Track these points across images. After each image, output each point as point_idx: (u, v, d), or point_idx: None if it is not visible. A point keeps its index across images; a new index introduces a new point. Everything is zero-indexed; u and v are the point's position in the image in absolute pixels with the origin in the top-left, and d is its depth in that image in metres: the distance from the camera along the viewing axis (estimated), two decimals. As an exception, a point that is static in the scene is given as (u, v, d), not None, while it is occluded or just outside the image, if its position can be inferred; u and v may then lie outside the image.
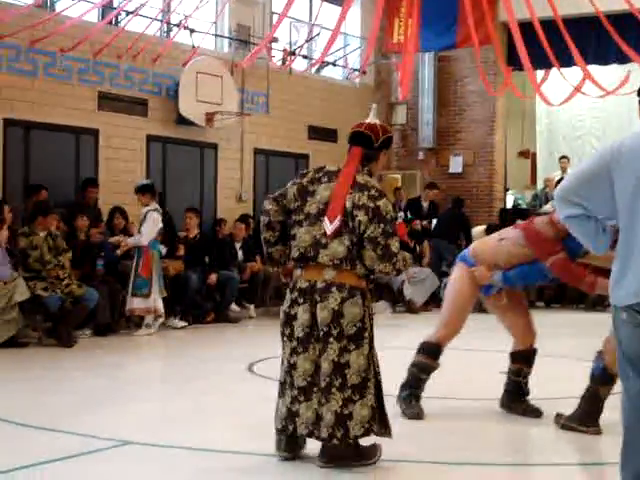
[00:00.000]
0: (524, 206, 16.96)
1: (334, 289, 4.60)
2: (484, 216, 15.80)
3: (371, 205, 4.56)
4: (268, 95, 14.54)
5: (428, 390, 6.36)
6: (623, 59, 13.20)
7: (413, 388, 6.09)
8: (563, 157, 16.82)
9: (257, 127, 14.40)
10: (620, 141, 4.14)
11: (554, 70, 13.05)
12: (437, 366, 6.14)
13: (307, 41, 14.91)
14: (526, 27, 12.00)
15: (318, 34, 15.15)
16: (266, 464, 4.81)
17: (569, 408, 5.92)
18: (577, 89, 12.96)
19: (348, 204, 4.59)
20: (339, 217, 4.57)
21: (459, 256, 6.19)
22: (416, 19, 12.18)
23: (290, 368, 4.72)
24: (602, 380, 5.64)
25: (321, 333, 4.61)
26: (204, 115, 13.11)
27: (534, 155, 18.95)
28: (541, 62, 13.08)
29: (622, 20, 12.88)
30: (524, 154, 19.02)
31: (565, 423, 5.66)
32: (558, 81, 13.75)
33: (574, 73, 13.43)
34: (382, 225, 4.55)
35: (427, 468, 4.95)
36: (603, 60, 14.76)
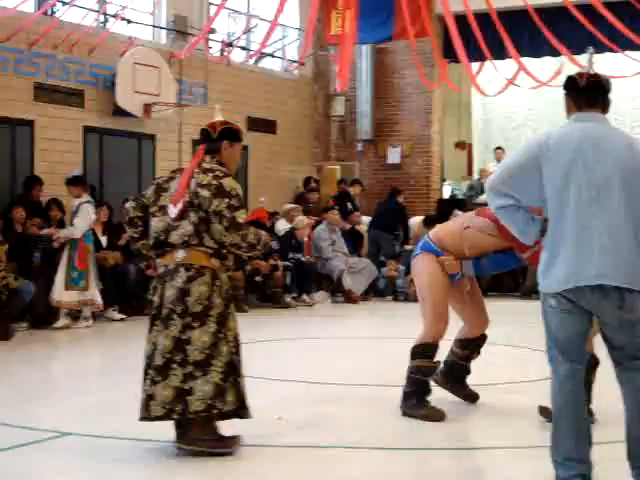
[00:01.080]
0: (461, 197, 17.18)
1: (182, 269, 4.80)
2: (421, 207, 15.98)
3: (214, 183, 4.80)
4: (206, 86, 14.51)
5: (355, 379, 6.43)
6: (556, 52, 13.43)
7: (422, 393, 5.83)
8: (498, 148, 17.06)
9: (195, 118, 14.32)
10: (547, 134, 4.28)
11: (489, 62, 13.25)
12: (438, 365, 5.95)
13: (245, 32, 14.90)
14: (461, 20, 12.17)
15: (256, 25, 15.15)
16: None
17: (509, 394, 6.06)
18: (511, 81, 13.17)
19: (192, 185, 4.84)
20: (181, 200, 4.81)
21: (420, 246, 6.00)
22: (353, 11, 12.26)
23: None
24: (588, 366, 5.66)
25: (165, 311, 4.77)
26: (142, 106, 13.03)
27: (470, 146, 19.19)
28: (476, 54, 13.27)
29: (554, 13, 13.12)
30: (460, 145, 19.25)
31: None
32: (493, 73, 13.96)
33: (509, 65, 13.65)
34: (227, 200, 4.77)
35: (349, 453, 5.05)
36: (537, 52, 15.01)
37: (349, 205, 15.38)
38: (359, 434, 5.41)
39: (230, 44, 14.45)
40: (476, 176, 17.89)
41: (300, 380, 7.06)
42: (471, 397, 6.23)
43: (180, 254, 4.81)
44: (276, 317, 11.75)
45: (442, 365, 6.09)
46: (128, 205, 5.07)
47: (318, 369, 7.74)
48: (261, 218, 12.94)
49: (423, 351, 5.80)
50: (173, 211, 4.82)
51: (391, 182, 16.18)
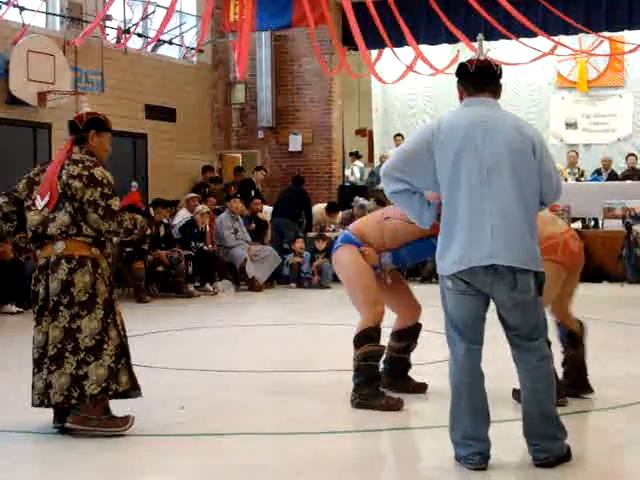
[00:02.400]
0: (362, 183, 17.29)
1: (63, 261, 4.89)
2: (324, 194, 16.06)
3: (85, 173, 4.89)
4: (103, 74, 14.23)
5: (261, 365, 6.42)
6: (453, 39, 13.63)
7: (373, 380, 5.66)
8: (398, 135, 17.25)
9: (92, 107, 14.01)
10: (438, 119, 4.38)
11: (388, 49, 13.37)
12: (384, 348, 5.80)
13: (142, 19, 14.67)
14: (360, 7, 12.24)
15: (153, 12, 14.93)
16: (115, 444, 4.81)
17: (422, 376, 6.13)
18: (409, 68, 13.35)
19: (64, 177, 4.90)
20: (49, 193, 4.91)
21: (341, 238, 5.90)
22: (252, -2, 12.20)
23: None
24: (573, 342, 5.76)
25: (51, 304, 4.88)
26: (36, 94, 12.72)
27: (371, 133, 19.35)
28: (375, 42, 13.37)
29: (451, 1, 13.30)
30: (361, 132, 19.39)
31: (561, 400, 5.26)
32: (392, 60, 14.11)
33: (407, 52, 13.80)
34: (99, 189, 4.87)
35: (269, 440, 5.04)
36: (434, 40, 15.19)
37: (252, 192, 15.33)
38: (263, 420, 5.41)
39: (127, 31, 14.21)
40: (377, 163, 18.05)
41: (204, 369, 7.01)
42: (420, 387, 6.07)
43: (59, 246, 4.91)
44: (179, 306, 11.64)
45: (382, 366, 5.92)
46: (0, 201, 5.12)
47: (222, 357, 7.70)
48: (135, 202, 12.64)
49: (367, 336, 5.61)
50: (40, 203, 4.92)
51: (293, 169, 16.20)
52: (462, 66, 4.44)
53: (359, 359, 5.61)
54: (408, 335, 6.08)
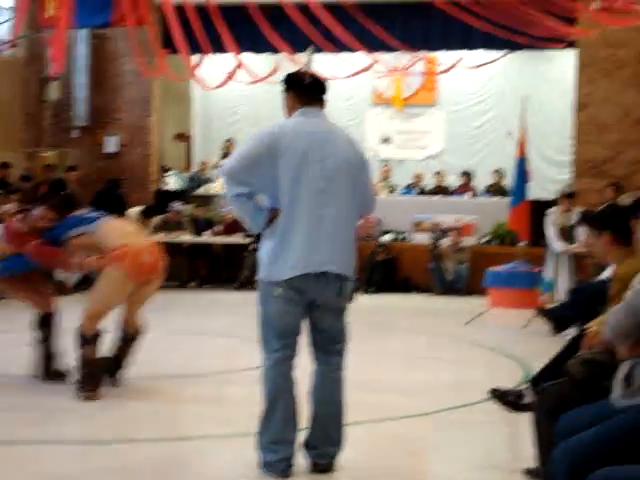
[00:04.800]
0: (182, 188, 17.08)
1: None
2: (139, 197, 15.76)
3: None
4: None
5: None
6: (275, 49, 13.72)
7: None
8: (228, 140, 17.19)
9: None
10: (280, 126, 4.44)
11: (211, 55, 13.31)
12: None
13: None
14: (183, 11, 12.14)
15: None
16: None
17: (221, 384, 6.11)
18: (230, 75, 13.34)
19: None
20: None
21: None
22: (70, -6, 11.86)
23: None
24: (125, 342, 6.37)
25: None
26: None
27: (190, 138, 19.18)
28: (197, 46, 13.28)
29: (275, 11, 13.37)
30: (180, 137, 19.21)
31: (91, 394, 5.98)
32: (215, 66, 14.06)
33: (230, 59, 13.78)
34: None
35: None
36: (256, 48, 15.24)
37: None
38: (62, 429, 5.26)
39: None
40: (196, 168, 17.91)
41: None
42: (62, 375, 6.47)
43: None
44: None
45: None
46: None
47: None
48: None
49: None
50: None
51: (109, 171, 15.83)
52: (295, 77, 4.56)
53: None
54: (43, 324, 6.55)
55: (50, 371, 6.50)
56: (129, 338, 6.31)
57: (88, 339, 6.03)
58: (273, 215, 4.31)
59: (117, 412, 5.72)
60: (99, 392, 5.98)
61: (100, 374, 6.12)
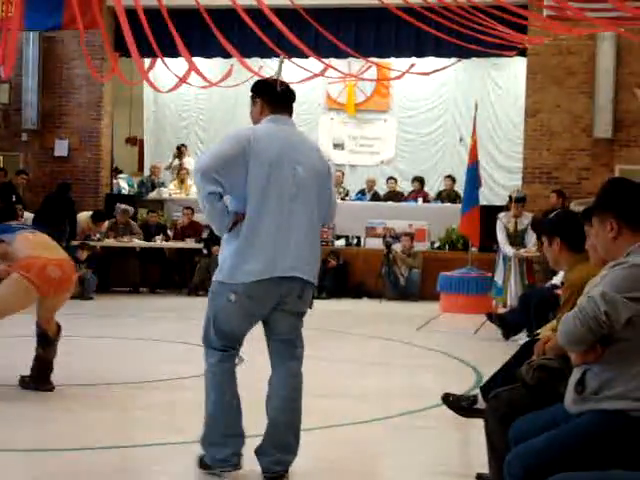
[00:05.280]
0: (133, 193, 16.96)
1: None
2: (90, 201, 15.61)
3: None
4: None
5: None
6: (227, 53, 13.68)
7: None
8: (182, 145, 17.12)
9: None
10: (253, 130, 4.48)
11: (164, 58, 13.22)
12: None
13: None
14: (134, 14, 12.03)
15: None
16: None
17: (169, 390, 6.07)
18: (182, 80, 13.27)
19: None
20: None
21: None
22: (20, -5, 11.70)
23: None
24: (44, 343, 6.50)
25: None
26: None
27: (142, 142, 19.07)
28: (149, 50, 13.19)
29: (226, 15, 13.33)
30: (131, 140, 19.08)
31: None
32: (167, 70, 13.98)
33: (182, 63, 13.71)
34: None
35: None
36: (208, 53, 15.19)
37: (13, 197, 14.66)
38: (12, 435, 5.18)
39: None
40: (147, 172, 17.81)
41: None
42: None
43: None
44: None
45: None
46: None
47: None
48: None
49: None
50: None
51: (58, 175, 15.66)
52: (266, 84, 4.62)
53: None
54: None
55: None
56: (50, 341, 6.47)
57: None
58: (237, 219, 4.33)
59: (68, 419, 5.65)
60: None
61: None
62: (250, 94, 4.59)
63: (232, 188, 4.34)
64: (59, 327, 6.57)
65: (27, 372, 6.45)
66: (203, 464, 4.49)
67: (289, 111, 4.55)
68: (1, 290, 6.22)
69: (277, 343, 4.50)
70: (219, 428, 4.40)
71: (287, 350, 4.49)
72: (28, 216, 14.29)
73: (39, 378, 6.38)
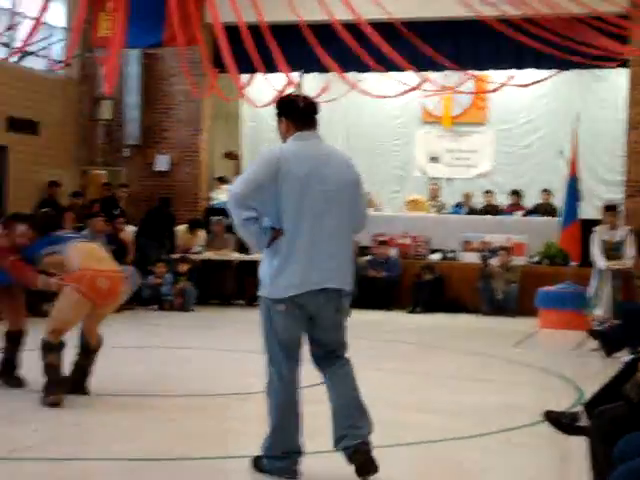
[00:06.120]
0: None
1: None
2: (189, 215, 15.85)
3: None
4: (-37, 82, 13.74)
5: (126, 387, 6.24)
6: (324, 68, 13.76)
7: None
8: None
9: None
10: (279, 148, 4.56)
11: (260, 74, 13.39)
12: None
13: (8, 29, 14.24)
14: (233, 30, 12.23)
15: (20, 23, 14.52)
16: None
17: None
18: (280, 93, 13.38)
19: None
20: None
21: None
22: (122, 14, 12.04)
23: None
24: (86, 353, 6.68)
25: None
26: None
27: (239, 156, 19.29)
28: (247, 65, 13.36)
29: (323, 31, 13.40)
30: (230, 155, 19.32)
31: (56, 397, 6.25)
32: (264, 83, 14.14)
33: (280, 76, 13.83)
34: None
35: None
36: (306, 68, 15.22)
37: (117, 210, 15.01)
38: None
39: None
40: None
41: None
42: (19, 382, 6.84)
43: None
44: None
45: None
46: None
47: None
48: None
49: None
50: None
51: (159, 189, 15.98)
52: (288, 102, 4.68)
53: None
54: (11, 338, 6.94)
55: (12, 377, 6.91)
56: (90, 350, 6.61)
57: (52, 347, 6.33)
58: (275, 234, 4.47)
59: (165, 429, 5.71)
60: (62, 397, 6.21)
61: (64, 381, 6.39)
62: (275, 112, 4.68)
63: (265, 208, 4.48)
64: (100, 338, 6.70)
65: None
66: (259, 466, 4.64)
67: (314, 125, 4.63)
68: (60, 304, 6.36)
69: (319, 352, 4.66)
70: (280, 444, 4.57)
71: (329, 356, 4.64)
72: (130, 229, 14.62)
73: (75, 384, 6.52)
